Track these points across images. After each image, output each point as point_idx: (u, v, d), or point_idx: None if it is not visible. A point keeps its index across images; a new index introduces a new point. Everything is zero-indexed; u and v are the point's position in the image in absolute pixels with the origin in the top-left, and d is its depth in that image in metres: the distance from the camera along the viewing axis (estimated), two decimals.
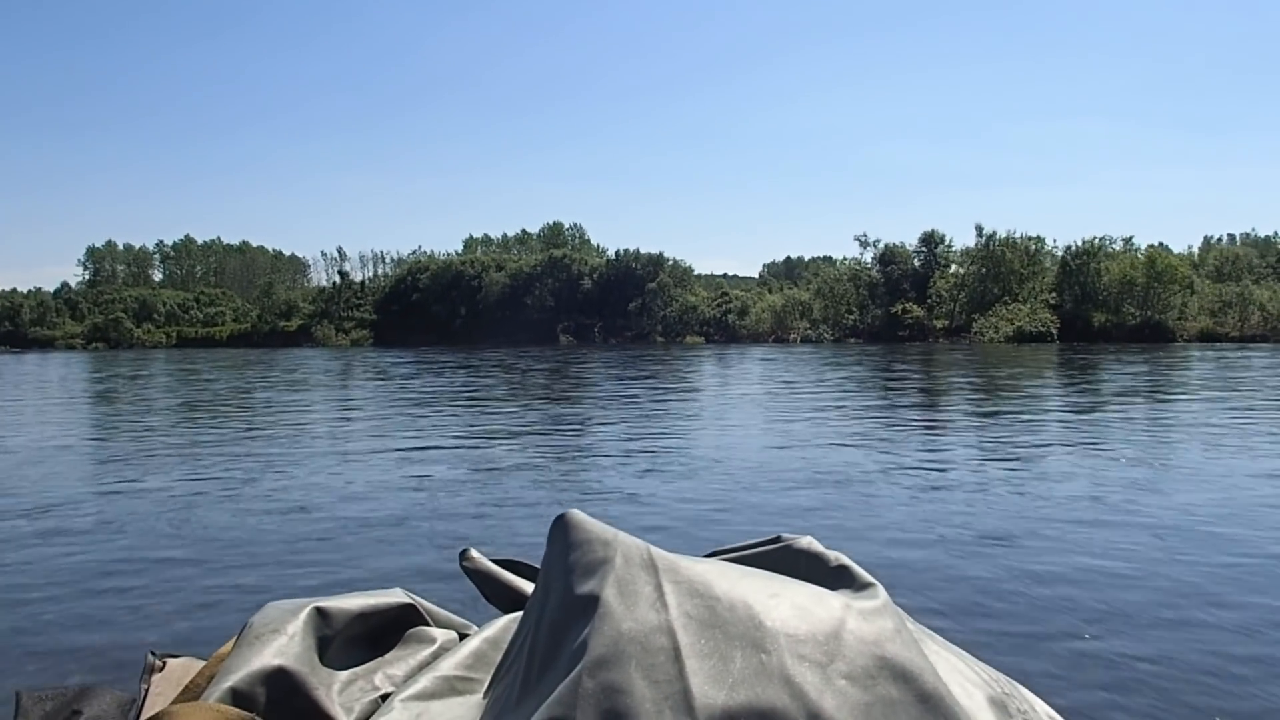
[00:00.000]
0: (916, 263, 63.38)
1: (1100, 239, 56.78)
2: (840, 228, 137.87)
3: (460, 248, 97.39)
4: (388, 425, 11.48)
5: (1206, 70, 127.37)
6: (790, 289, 71.77)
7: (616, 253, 78.84)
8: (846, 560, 1.44)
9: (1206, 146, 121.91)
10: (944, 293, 59.24)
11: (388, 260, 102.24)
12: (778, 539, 1.58)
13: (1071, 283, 56.04)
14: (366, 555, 4.56)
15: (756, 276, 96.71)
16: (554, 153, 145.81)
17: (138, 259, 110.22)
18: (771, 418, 11.90)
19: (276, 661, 1.45)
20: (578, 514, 1.31)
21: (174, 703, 1.45)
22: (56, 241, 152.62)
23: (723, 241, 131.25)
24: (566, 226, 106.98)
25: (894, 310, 59.75)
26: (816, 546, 1.52)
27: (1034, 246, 58.27)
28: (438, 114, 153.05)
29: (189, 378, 27.92)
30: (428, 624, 1.73)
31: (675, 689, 1.03)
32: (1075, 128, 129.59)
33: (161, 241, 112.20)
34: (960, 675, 1.28)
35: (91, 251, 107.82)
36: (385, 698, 1.49)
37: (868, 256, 66.02)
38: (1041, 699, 1.41)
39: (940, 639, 1.44)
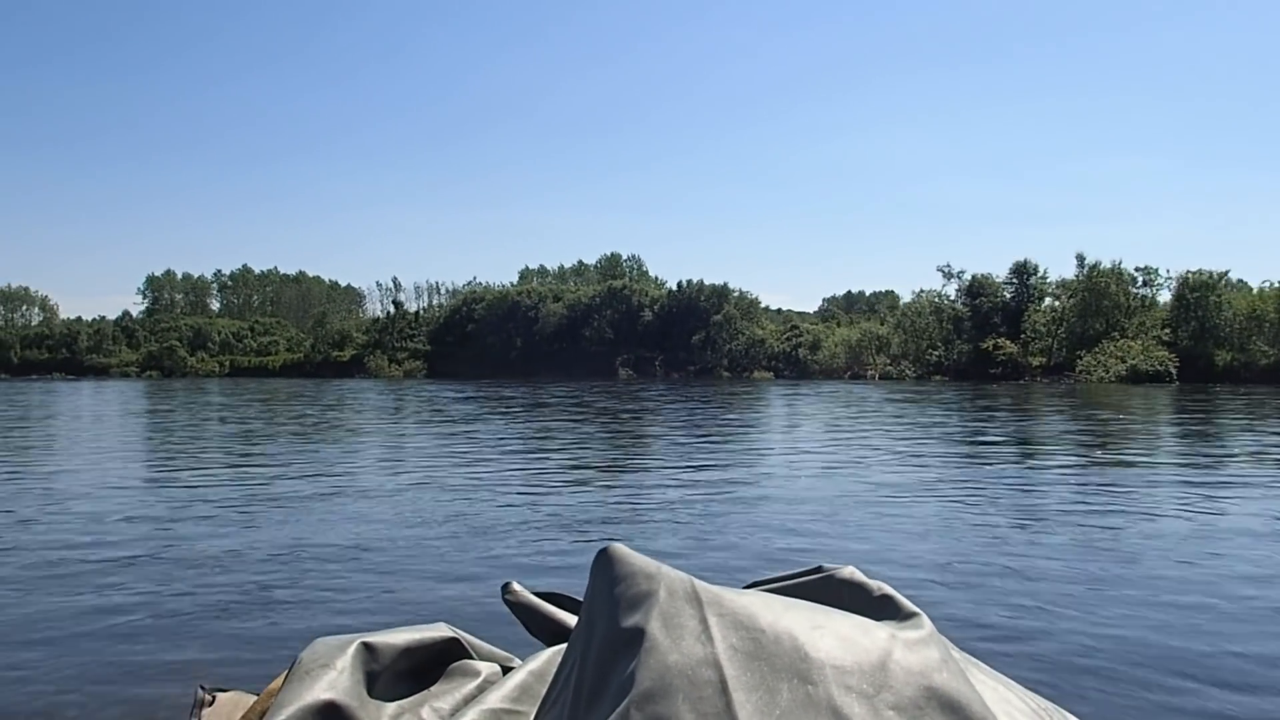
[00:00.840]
0: (1007, 295, 58.73)
1: (1222, 272, 51.58)
2: (902, 262, 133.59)
3: (515, 279, 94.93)
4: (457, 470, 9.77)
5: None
6: (864, 322, 67.52)
7: (679, 284, 75.47)
8: (890, 590, 1.42)
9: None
10: (1041, 327, 54.45)
11: (443, 290, 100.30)
12: (819, 569, 1.56)
13: (1188, 317, 50.88)
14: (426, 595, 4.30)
15: (814, 312, 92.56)
16: (609, 184, 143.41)
17: (196, 288, 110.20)
18: (860, 464, 10.40)
19: (327, 696, 1.48)
20: (620, 547, 1.31)
21: None
22: (123, 270, 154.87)
23: (780, 275, 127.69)
24: (624, 257, 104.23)
25: (984, 346, 55.10)
26: (859, 576, 1.49)
27: (1144, 278, 53.32)
28: (492, 145, 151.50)
29: (227, 410, 24.80)
30: (471, 657, 1.75)
31: None
32: (1137, 165, 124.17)
33: (219, 271, 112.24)
34: (1008, 704, 1.29)
35: (151, 280, 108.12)
36: None
37: (950, 289, 61.59)
38: None
39: (987, 668, 1.44)
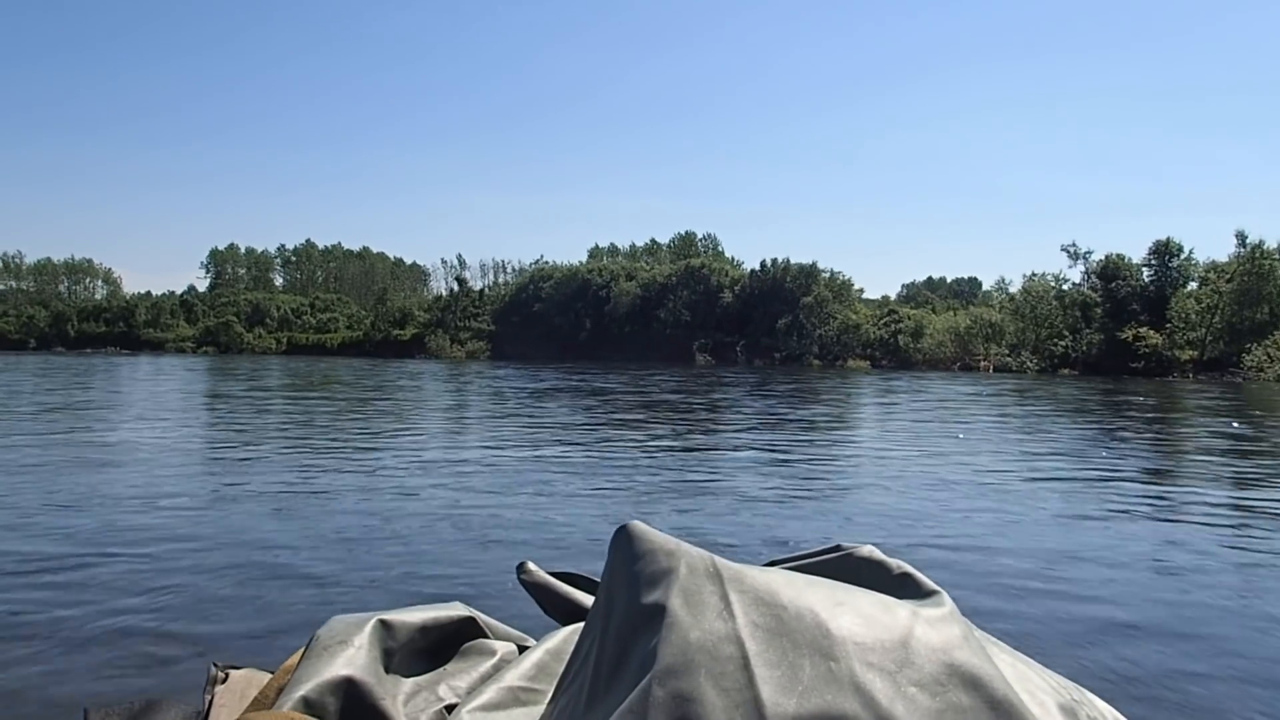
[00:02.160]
0: (1146, 277, 51.49)
1: None
2: (981, 250, 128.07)
3: (584, 259, 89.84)
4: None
5: None
6: (976, 308, 60.77)
7: (762, 263, 69.49)
8: (909, 568, 1.42)
9: None
10: (1192, 315, 47.19)
11: (509, 269, 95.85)
12: (838, 548, 1.56)
13: None
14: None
15: (894, 297, 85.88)
16: (678, 169, 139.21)
17: (259, 262, 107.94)
18: (995, 475, 8.05)
19: (345, 672, 1.48)
20: (640, 525, 1.31)
21: (246, 712, 1.48)
22: (191, 246, 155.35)
23: (854, 262, 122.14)
24: (700, 237, 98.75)
25: (1121, 336, 48.09)
26: (878, 554, 1.49)
27: None
28: (560, 127, 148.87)
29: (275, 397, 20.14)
30: (487, 636, 1.75)
31: (745, 697, 1.04)
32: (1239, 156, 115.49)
33: (283, 246, 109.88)
34: (1030, 682, 1.28)
35: (214, 254, 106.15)
36: (449, 709, 1.53)
37: (1075, 272, 54.50)
38: (1111, 706, 1.39)
39: (1008, 647, 1.43)
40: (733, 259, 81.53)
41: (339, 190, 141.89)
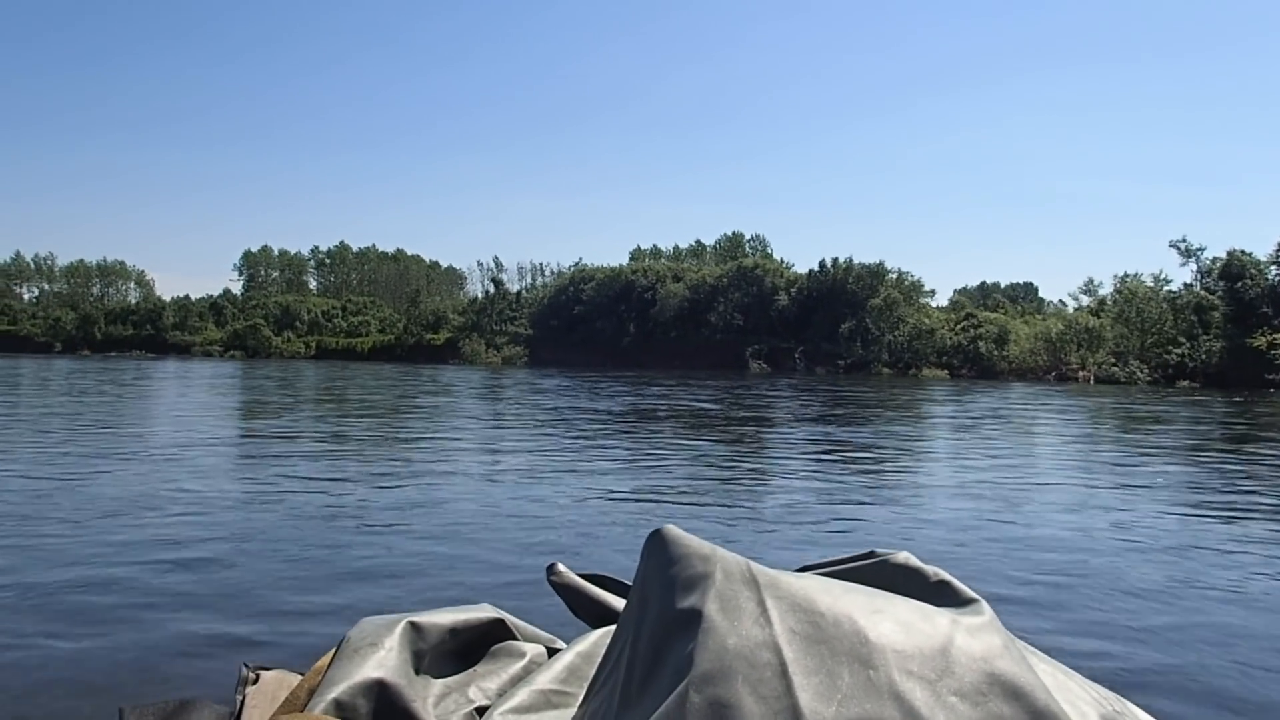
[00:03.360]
0: (1273, 276, 45.03)
1: None
2: (1034, 256, 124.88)
3: (625, 261, 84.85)
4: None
5: None
6: (1070, 311, 54.65)
7: (821, 263, 63.97)
8: (946, 575, 1.39)
9: None
10: None
11: (547, 271, 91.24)
12: (872, 554, 1.52)
13: None
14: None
15: (948, 304, 79.78)
16: (720, 173, 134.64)
17: (292, 264, 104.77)
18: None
19: (376, 674, 1.48)
20: (674, 529, 1.29)
21: (276, 714, 1.48)
22: (226, 249, 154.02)
23: (904, 268, 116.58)
24: (747, 237, 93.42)
25: (1253, 343, 41.74)
26: (914, 561, 1.46)
27: None
28: (598, 131, 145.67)
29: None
30: (516, 638, 1.75)
31: (784, 705, 1.02)
32: None
33: (316, 247, 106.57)
34: (1071, 693, 1.26)
35: (247, 256, 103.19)
36: (480, 711, 1.53)
37: (1186, 272, 48.23)
38: (1153, 717, 1.37)
39: (1047, 657, 1.41)
40: (782, 260, 76.03)
41: (374, 194, 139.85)
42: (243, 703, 1.59)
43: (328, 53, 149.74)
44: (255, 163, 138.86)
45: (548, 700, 1.48)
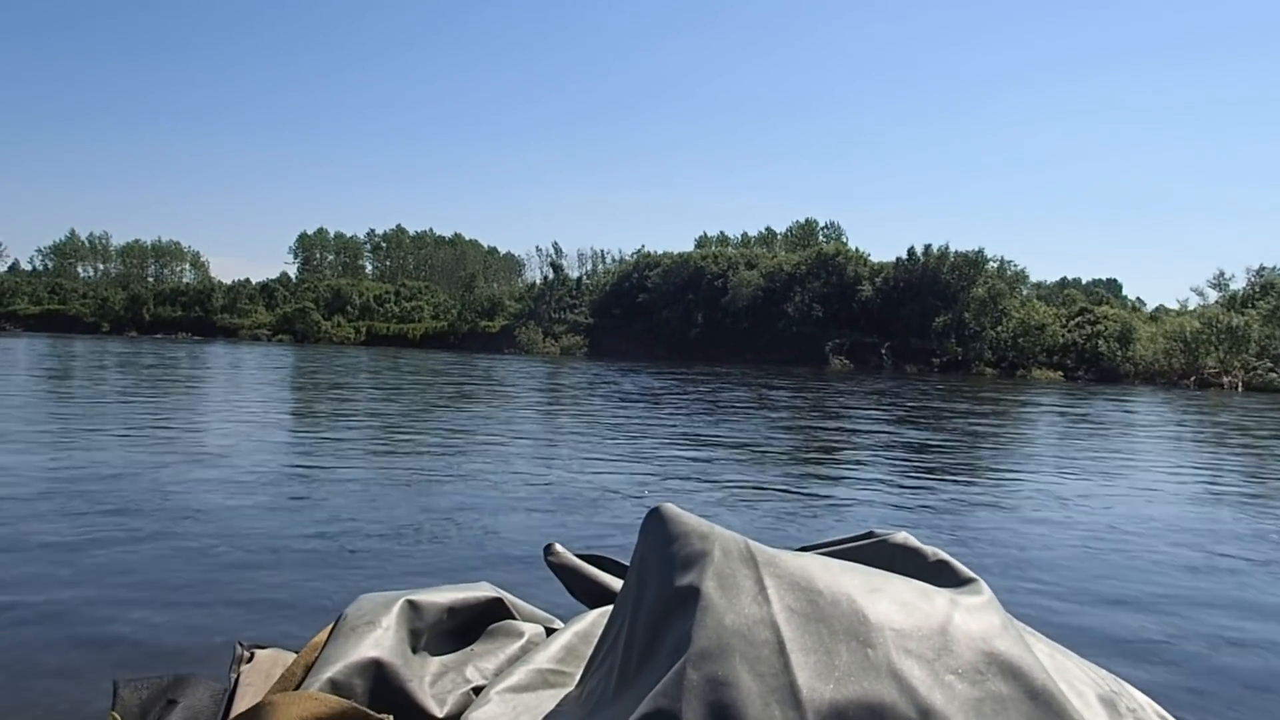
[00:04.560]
0: None
1: None
2: (1115, 253, 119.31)
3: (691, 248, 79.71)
4: None
5: None
6: (1208, 307, 48.16)
7: (910, 251, 58.20)
8: (945, 555, 1.38)
9: None
10: None
11: (608, 258, 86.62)
12: (870, 534, 1.52)
13: None
14: None
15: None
16: (785, 164, 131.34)
17: (347, 247, 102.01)
18: None
19: (372, 653, 1.47)
20: (672, 507, 1.27)
21: (271, 691, 1.47)
22: (284, 233, 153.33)
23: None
24: (821, 225, 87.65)
25: None
26: (913, 541, 1.45)
27: None
28: (659, 123, 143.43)
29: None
30: (514, 618, 1.74)
31: (781, 682, 1.02)
32: None
33: (372, 230, 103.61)
34: (1069, 673, 1.26)
35: (303, 239, 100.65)
36: (477, 690, 1.51)
37: None
38: (1150, 698, 1.37)
39: (1045, 638, 1.40)
40: (857, 249, 70.28)
41: (433, 181, 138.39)
42: (237, 680, 1.55)
43: (390, 40, 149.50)
44: (314, 149, 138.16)
45: (545, 679, 1.45)
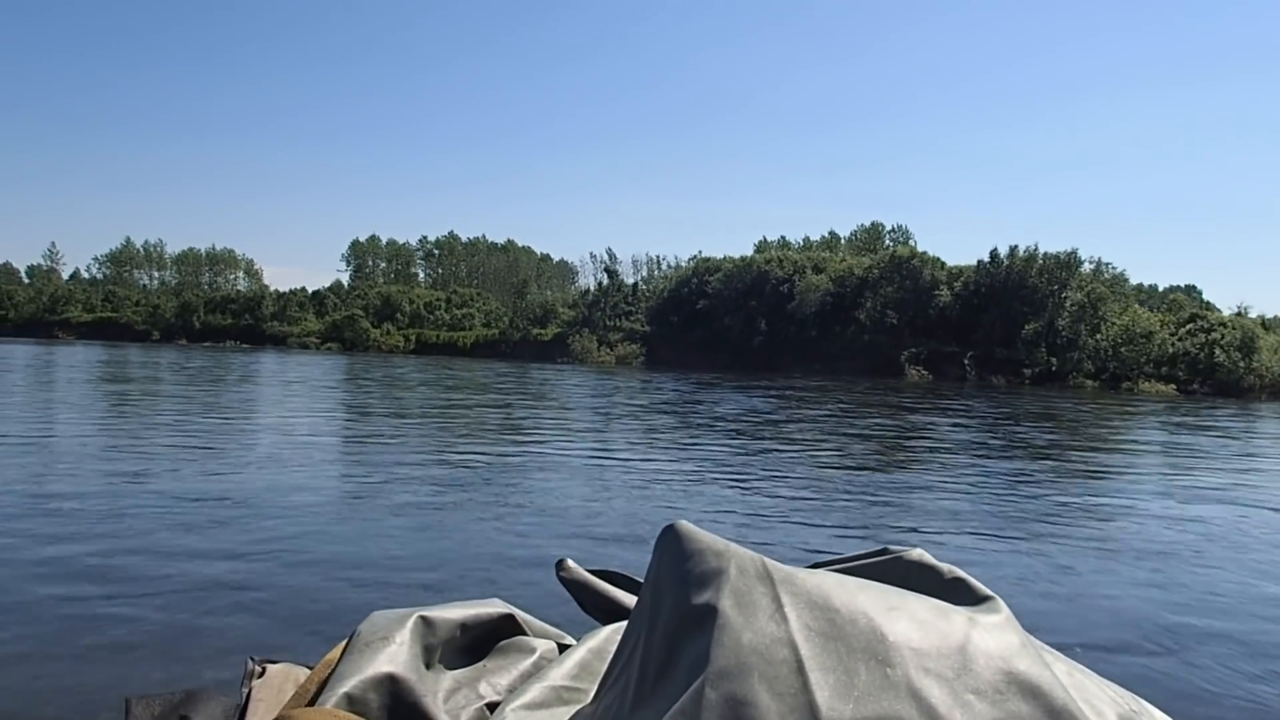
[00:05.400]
0: None
1: None
2: (1191, 262, 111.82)
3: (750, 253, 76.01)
4: None
5: None
6: None
7: (993, 253, 53.85)
8: (961, 572, 1.37)
9: None
10: None
11: (664, 265, 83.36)
12: (885, 550, 1.50)
13: None
14: None
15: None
16: (850, 172, 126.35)
17: (399, 254, 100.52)
18: None
19: (387, 669, 1.48)
20: (687, 525, 1.26)
21: (286, 707, 1.48)
22: (337, 241, 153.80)
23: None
24: (888, 228, 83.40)
25: None
26: (928, 559, 1.44)
27: None
28: (717, 133, 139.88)
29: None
30: (526, 634, 1.73)
31: (800, 701, 1.02)
32: None
33: (424, 237, 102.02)
34: (1088, 691, 1.25)
35: (354, 246, 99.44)
36: (490, 706, 1.52)
37: None
38: (1170, 717, 1.36)
39: (1063, 656, 1.39)
40: (927, 253, 65.73)
41: (485, 189, 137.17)
42: (249, 695, 1.55)
43: (445, 49, 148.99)
44: (368, 157, 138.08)
45: (559, 696, 1.45)
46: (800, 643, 1.06)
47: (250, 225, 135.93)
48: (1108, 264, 49.24)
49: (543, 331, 64.11)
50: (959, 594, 1.30)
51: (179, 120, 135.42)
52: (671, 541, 1.24)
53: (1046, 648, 1.36)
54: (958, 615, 1.14)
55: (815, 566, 1.45)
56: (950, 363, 50.43)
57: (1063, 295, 46.98)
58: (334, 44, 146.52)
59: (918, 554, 1.46)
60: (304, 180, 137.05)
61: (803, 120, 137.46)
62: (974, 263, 55.14)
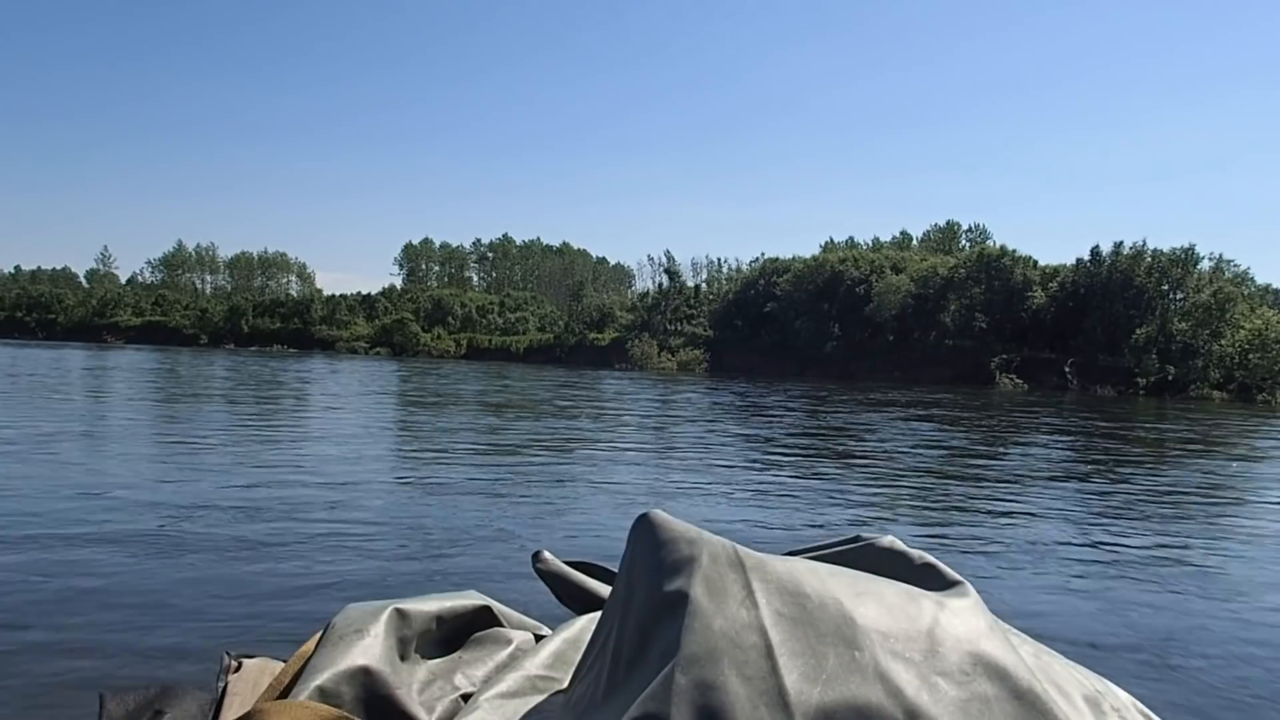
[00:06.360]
0: None
1: None
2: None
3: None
4: None
5: None
6: None
7: (1094, 251, 49.05)
8: (931, 558, 1.38)
9: None
10: None
11: (725, 268, 79.51)
12: (858, 538, 1.51)
13: None
14: None
15: None
16: (919, 182, 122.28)
17: (453, 258, 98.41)
18: None
19: (361, 661, 1.47)
20: (660, 513, 1.27)
21: (261, 700, 1.49)
22: (390, 245, 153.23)
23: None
24: (964, 228, 78.42)
25: None
26: (899, 545, 1.45)
27: None
28: (774, 134, 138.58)
29: None
30: (503, 625, 1.74)
31: (769, 685, 1.03)
32: None
33: (478, 240, 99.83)
34: (1054, 673, 1.28)
35: (408, 249, 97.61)
36: (465, 697, 1.53)
37: None
38: (1134, 697, 1.38)
39: (1030, 639, 1.41)
40: (1016, 251, 60.50)
41: (539, 193, 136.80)
42: (224, 690, 1.53)
43: (499, 55, 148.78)
44: (422, 162, 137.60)
45: (534, 685, 1.45)
46: (770, 628, 1.06)
47: (304, 231, 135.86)
48: (1229, 261, 44.12)
49: (599, 336, 60.82)
50: (929, 579, 1.29)
51: (233, 127, 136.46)
52: (644, 530, 1.24)
53: (1015, 631, 1.37)
54: (926, 599, 1.13)
55: (790, 554, 1.43)
56: (1047, 370, 45.81)
57: (1178, 296, 42.01)
58: (390, 50, 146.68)
59: (889, 540, 1.45)
60: (358, 186, 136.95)
61: (867, 125, 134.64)
62: (1069, 262, 50.41)
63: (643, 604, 1.18)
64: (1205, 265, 43.93)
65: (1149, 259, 45.10)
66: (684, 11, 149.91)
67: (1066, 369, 44.26)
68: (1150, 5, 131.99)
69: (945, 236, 76.95)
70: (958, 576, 1.29)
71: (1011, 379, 44.80)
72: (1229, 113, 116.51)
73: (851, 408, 20.57)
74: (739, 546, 1.18)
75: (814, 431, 13.89)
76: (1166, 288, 43.99)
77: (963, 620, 1.12)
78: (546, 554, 1.87)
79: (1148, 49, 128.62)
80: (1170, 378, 39.96)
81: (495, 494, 7.23)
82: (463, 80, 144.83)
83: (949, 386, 39.74)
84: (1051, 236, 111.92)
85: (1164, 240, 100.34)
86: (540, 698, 1.42)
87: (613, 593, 1.33)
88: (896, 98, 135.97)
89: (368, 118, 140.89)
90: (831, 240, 78.84)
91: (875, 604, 1.11)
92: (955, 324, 49.93)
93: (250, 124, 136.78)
